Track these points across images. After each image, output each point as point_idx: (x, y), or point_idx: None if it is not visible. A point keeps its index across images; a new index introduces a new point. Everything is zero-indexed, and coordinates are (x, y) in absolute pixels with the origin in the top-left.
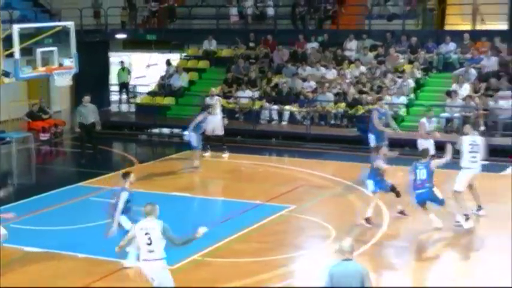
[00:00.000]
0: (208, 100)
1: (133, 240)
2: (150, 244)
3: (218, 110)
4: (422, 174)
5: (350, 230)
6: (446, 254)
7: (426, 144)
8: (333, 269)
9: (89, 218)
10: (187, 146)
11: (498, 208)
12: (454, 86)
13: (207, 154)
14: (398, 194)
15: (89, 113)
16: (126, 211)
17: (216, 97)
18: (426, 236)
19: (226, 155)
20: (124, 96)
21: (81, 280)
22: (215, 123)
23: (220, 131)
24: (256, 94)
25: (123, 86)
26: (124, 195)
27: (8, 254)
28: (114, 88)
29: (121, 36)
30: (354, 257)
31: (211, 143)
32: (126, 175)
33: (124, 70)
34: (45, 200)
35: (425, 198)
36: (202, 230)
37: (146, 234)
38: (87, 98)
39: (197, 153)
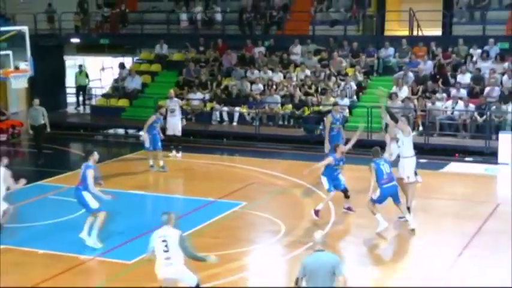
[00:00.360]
0: (168, 102)
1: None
2: (167, 251)
3: (177, 112)
4: (386, 168)
5: (299, 225)
6: (387, 248)
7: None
8: (306, 260)
9: (48, 215)
10: (142, 146)
11: (432, 204)
12: (394, 89)
13: (172, 154)
14: (347, 196)
15: (39, 115)
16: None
17: (175, 99)
18: (371, 231)
19: (179, 155)
20: (81, 98)
21: (41, 274)
22: (175, 124)
23: (178, 132)
24: (207, 96)
25: (81, 89)
26: (90, 172)
27: None
28: (71, 90)
29: (75, 40)
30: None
31: (173, 143)
32: (89, 153)
33: (82, 73)
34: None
35: (392, 192)
36: (214, 258)
37: (163, 241)
38: (36, 101)
39: (150, 153)
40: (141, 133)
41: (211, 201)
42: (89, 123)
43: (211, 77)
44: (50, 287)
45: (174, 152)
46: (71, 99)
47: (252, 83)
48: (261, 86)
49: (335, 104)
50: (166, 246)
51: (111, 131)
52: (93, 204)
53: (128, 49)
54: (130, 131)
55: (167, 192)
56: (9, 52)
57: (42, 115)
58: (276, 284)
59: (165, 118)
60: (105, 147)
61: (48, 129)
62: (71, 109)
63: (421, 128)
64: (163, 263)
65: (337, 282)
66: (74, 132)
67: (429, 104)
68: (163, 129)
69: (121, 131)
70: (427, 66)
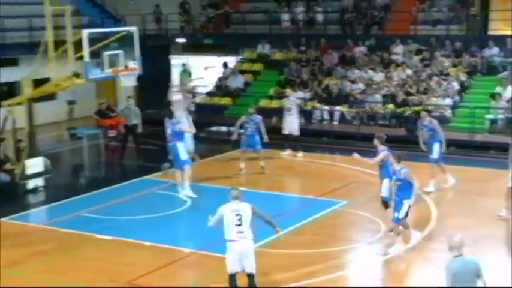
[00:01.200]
0: (287, 101)
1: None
2: (240, 225)
3: (294, 111)
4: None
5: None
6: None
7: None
8: (452, 267)
9: (155, 209)
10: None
11: None
12: (498, 89)
13: (285, 153)
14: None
15: (132, 114)
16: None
17: (292, 98)
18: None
19: (300, 154)
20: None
21: (148, 265)
22: (291, 123)
23: (295, 131)
24: (308, 95)
25: None
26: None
27: (81, 240)
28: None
29: (180, 40)
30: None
31: (288, 142)
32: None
33: (185, 72)
34: (114, 192)
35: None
36: (280, 231)
37: (237, 215)
38: (130, 101)
39: (242, 155)
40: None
41: (312, 199)
42: (193, 120)
43: (312, 76)
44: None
45: (288, 151)
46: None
47: (352, 82)
48: (361, 86)
49: (425, 109)
50: (239, 220)
51: (214, 128)
52: (184, 156)
53: (231, 49)
54: (233, 129)
55: (268, 189)
56: (120, 52)
57: (135, 115)
58: (375, 284)
59: (281, 117)
60: (208, 144)
61: (140, 130)
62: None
63: None
64: (237, 236)
65: (479, 283)
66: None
67: None
68: (278, 129)
69: (224, 128)
70: None
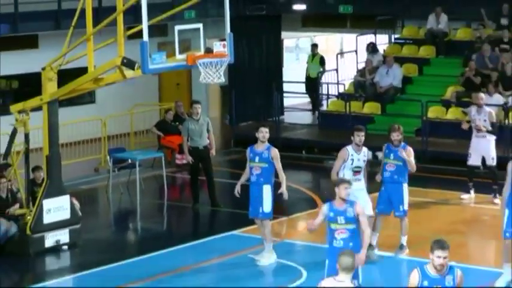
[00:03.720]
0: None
1: None
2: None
3: (487, 127)
4: None
5: None
6: None
7: None
8: None
9: (245, 284)
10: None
11: None
12: None
13: (467, 196)
14: None
15: (203, 131)
16: None
17: (487, 109)
18: None
19: (465, 196)
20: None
21: None
22: (486, 148)
23: (492, 160)
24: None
25: (311, 84)
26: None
27: None
28: (290, 87)
29: (299, 7)
30: None
31: (476, 179)
32: None
33: (315, 59)
34: (182, 255)
35: None
36: None
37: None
38: (197, 107)
39: None
40: None
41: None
42: (315, 140)
43: None
44: None
45: (472, 192)
46: (292, 100)
47: None
48: None
49: None
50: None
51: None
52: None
53: (382, 22)
54: (380, 155)
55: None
56: (199, 25)
57: (207, 130)
58: None
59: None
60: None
61: (213, 153)
62: (288, 117)
63: None
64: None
65: None
66: (291, 154)
67: None
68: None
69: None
70: None
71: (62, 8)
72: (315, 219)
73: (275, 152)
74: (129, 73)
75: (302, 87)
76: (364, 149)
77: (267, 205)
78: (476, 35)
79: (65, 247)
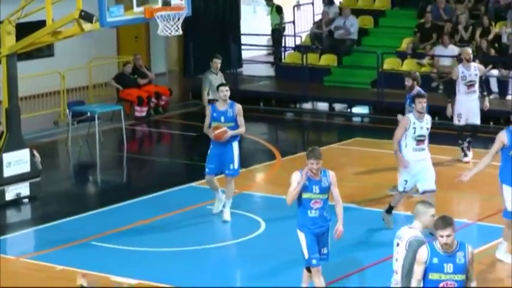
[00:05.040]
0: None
1: None
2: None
3: (477, 87)
4: None
5: None
6: None
7: None
8: None
9: (204, 237)
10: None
11: None
12: None
13: (468, 158)
14: None
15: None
16: None
17: (476, 65)
18: None
19: (468, 159)
20: None
21: None
22: (472, 107)
23: (476, 119)
24: None
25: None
26: None
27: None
28: (247, 39)
29: None
30: None
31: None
32: None
33: (273, 10)
34: (140, 208)
35: None
36: None
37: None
38: (217, 61)
39: None
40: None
41: (468, 224)
42: (273, 91)
43: (473, 21)
44: None
45: (470, 154)
46: (249, 53)
47: None
48: None
49: None
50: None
51: (307, 105)
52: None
53: None
54: (338, 107)
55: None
56: None
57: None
58: None
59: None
60: (297, 130)
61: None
62: (247, 69)
63: None
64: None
65: None
66: (250, 107)
67: None
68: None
69: (323, 105)
70: None
71: None
72: (293, 191)
73: (239, 108)
74: (87, 26)
75: (260, 40)
76: (427, 116)
77: (237, 162)
78: None
79: (26, 200)
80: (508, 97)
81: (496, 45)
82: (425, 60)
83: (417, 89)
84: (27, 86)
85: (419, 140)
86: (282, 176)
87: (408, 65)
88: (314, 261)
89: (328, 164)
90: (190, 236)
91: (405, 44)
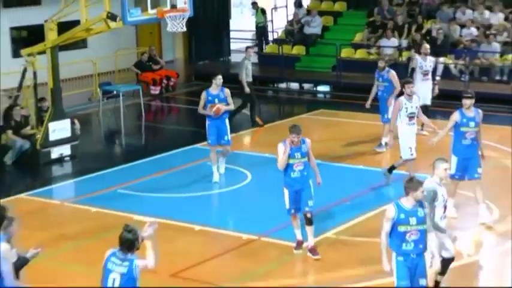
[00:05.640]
0: (419, 61)
1: None
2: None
3: (429, 76)
4: None
5: None
6: None
7: None
8: None
9: (207, 185)
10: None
11: None
12: None
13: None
14: None
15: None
16: None
17: (431, 57)
18: None
19: (424, 132)
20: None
21: (200, 254)
22: (429, 88)
23: (428, 100)
24: (404, 43)
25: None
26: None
27: (116, 222)
28: (235, 34)
29: None
30: None
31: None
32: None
33: (258, 12)
34: (156, 164)
35: None
36: None
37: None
38: (252, 51)
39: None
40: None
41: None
42: (256, 75)
43: (409, 19)
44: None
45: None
46: (236, 45)
47: (462, 26)
48: (474, 31)
49: None
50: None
51: (282, 85)
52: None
53: None
54: (306, 86)
55: (345, 161)
56: None
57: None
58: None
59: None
60: (275, 104)
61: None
62: (235, 57)
63: None
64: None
65: None
66: (238, 86)
67: None
68: None
69: (294, 85)
70: None
71: None
72: (282, 159)
73: (227, 91)
74: (112, 24)
75: (246, 35)
76: (415, 97)
77: (229, 134)
78: None
79: (67, 158)
80: (437, 78)
81: (428, 37)
82: (373, 50)
83: (391, 71)
84: (67, 71)
85: (410, 117)
86: (264, 139)
87: (360, 53)
88: (292, 211)
89: None
90: (194, 185)
91: (358, 37)
